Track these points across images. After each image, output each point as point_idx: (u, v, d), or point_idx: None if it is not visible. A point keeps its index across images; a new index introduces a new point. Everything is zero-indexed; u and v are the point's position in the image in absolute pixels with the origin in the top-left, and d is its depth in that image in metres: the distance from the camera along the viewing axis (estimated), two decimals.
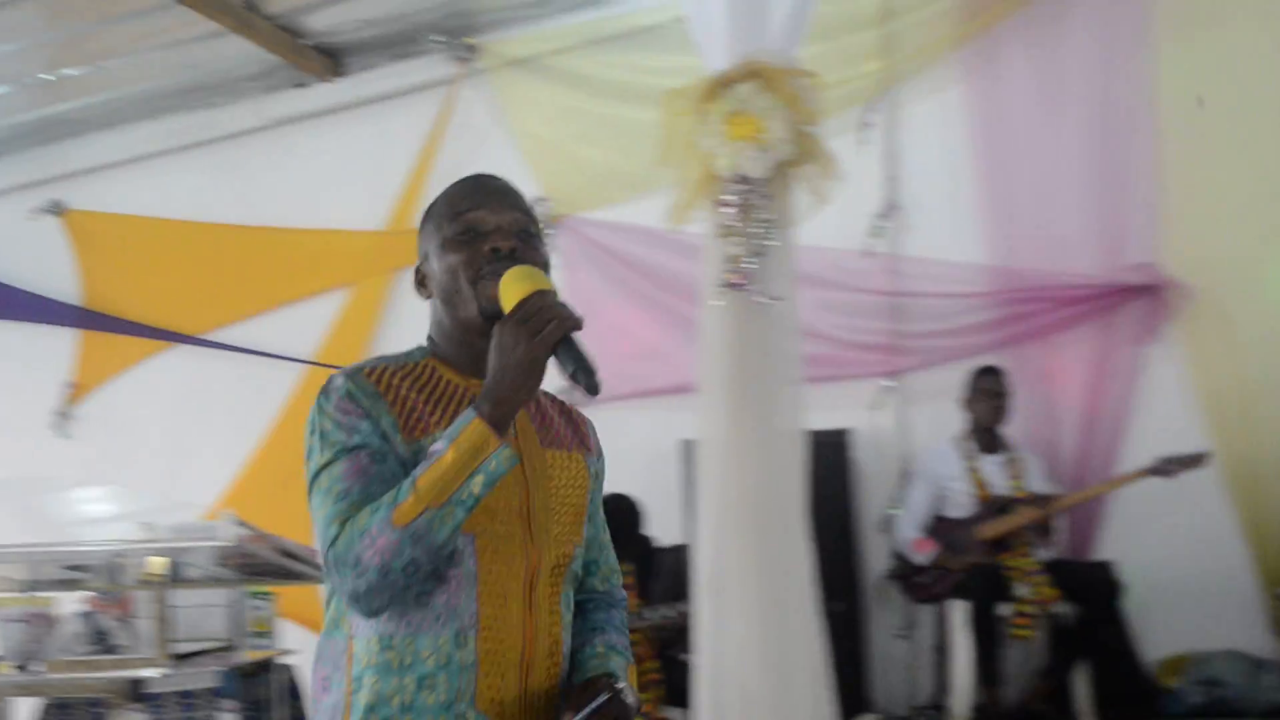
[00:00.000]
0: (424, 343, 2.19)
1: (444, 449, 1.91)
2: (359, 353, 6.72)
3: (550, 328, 1.91)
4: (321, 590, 2.07)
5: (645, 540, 5.37)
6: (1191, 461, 5.65)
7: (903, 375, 6.35)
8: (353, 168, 7.05)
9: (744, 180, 4.38)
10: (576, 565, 2.20)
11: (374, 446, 1.98)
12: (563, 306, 1.93)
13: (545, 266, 2.09)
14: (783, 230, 4.42)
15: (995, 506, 5.77)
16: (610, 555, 2.35)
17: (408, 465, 1.97)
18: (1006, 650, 5.78)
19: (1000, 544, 5.73)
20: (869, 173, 6.35)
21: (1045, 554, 5.75)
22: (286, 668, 5.06)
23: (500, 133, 6.72)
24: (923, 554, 5.78)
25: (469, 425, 1.91)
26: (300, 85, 7.32)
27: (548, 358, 1.91)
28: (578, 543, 2.19)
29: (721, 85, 4.40)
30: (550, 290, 1.96)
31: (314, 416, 2.05)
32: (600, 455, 2.30)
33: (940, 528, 5.86)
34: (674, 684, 5.03)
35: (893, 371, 6.30)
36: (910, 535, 5.84)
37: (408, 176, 6.89)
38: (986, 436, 5.90)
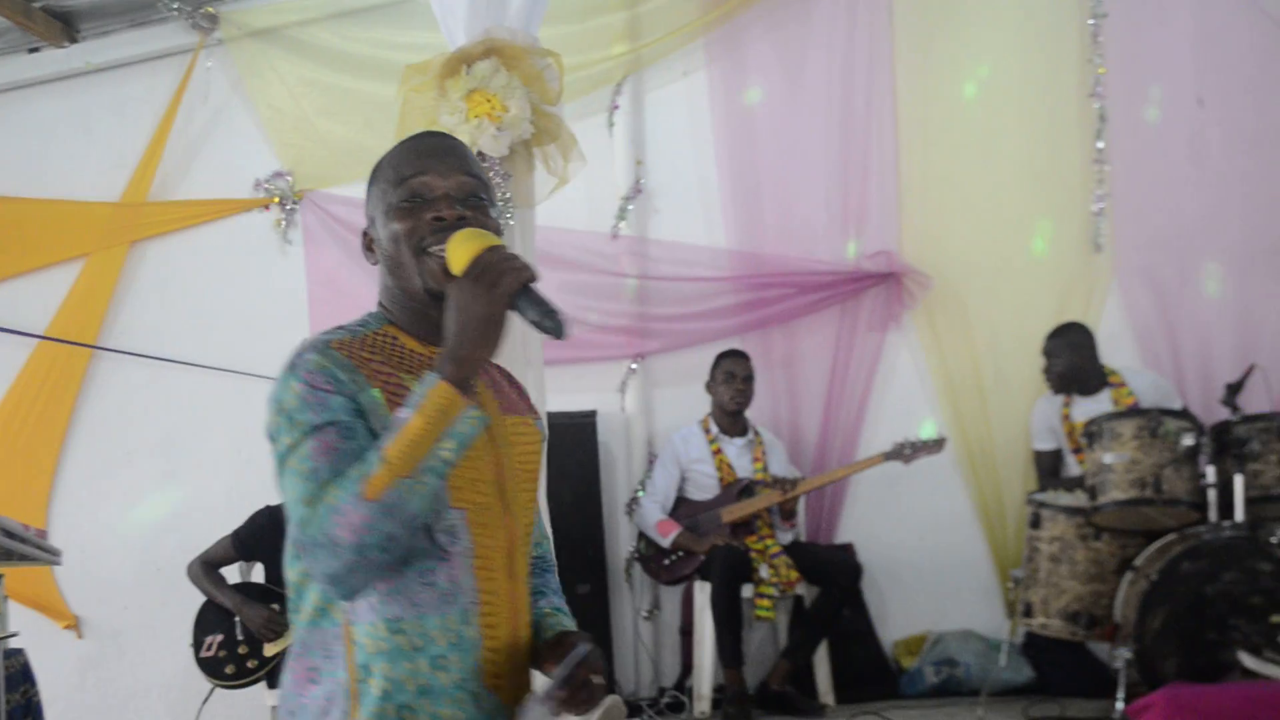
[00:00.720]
0: (374, 309, 2.16)
1: (409, 416, 1.86)
2: (93, 328, 6.57)
3: (506, 280, 1.89)
4: (288, 571, 2.05)
5: None
6: (929, 446, 5.93)
7: (648, 358, 6.50)
8: (87, 137, 6.87)
9: (482, 158, 4.41)
10: (538, 531, 2.25)
11: (343, 422, 1.93)
12: (516, 259, 1.91)
13: (496, 231, 2.06)
14: (522, 209, 4.44)
15: (738, 489, 5.93)
16: (541, 520, 2.35)
17: None
18: (749, 631, 5.93)
19: (743, 526, 5.90)
20: (616, 155, 6.54)
21: (787, 536, 5.96)
22: (19, 651, 4.88)
23: (241, 104, 6.67)
24: (667, 536, 5.92)
25: (434, 389, 1.87)
26: (33, 50, 7.05)
27: (506, 311, 1.89)
28: (536, 508, 2.21)
29: (461, 62, 4.47)
30: (501, 245, 1.94)
31: (279, 394, 1.97)
32: (542, 418, 2.29)
33: (684, 510, 6.01)
34: None
35: (638, 354, 6.55)
36: (655, 517, 6.02)
37: (145, 147, 6.71)
38: (730, 420, 6.08)
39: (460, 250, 1.94)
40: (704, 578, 5.98)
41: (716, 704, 5.86)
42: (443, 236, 2.00)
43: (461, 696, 1.99)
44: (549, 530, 2.48)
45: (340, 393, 1.94)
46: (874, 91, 6.58)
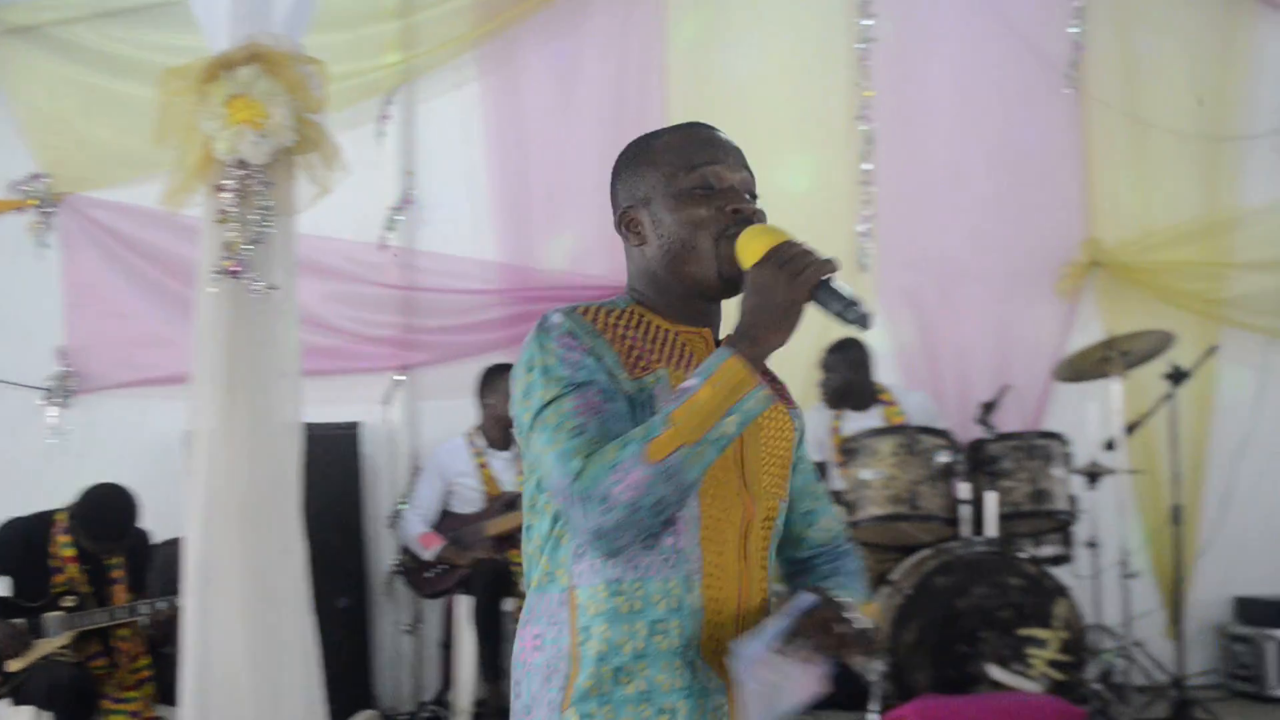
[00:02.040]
0: (625, 293, 2.27)
1: (699, 385, 1.98)
2: None
3: (810, 270, 2.01)
4: (525, 544, 2.18)
5: (140, 533, 5.48)
6: None
7: (414, 370, 6.78)
8: None
9: (243, 165, 4.61)
10: (782, 520, 2.30)
11: (601, 383, 2.06)
12: (815, 252, 2.04)
13: None
14: (283, 218, 4.67)
15: (503, 502, 6.27)
16: (828, 505, 2.46)
17: (634, 403, 2.08)
18: (510, 645, 6.09)
19: (507, 540, 6.31)
20: (386, 165, 6.81)
21: None
22: None
23: None
24: (429, 549, 6.20)
25: (726, 362, 1.99)
26: None
27: (806, 301, 2.01)
28: (783, 497, 2.29)
29: (222, 67, 4.69)
30: (794, 239, 2.07)
31: (532, 353, 2.10)
32: (799, 411, 2.39)
33: (448, 523, 6.39)
34: (167, 681, 5.13)
35: (404, 366, 6.94)
36: (418, 530, 6.33)
37: None
38: (497, 433, 6.34)
39: (757, 241, 2.07)
40: (466, 591, 6.46)
41: (477, 718, 6.27)
42: (742, 227, 2.12)
43: (679, 664, 2.07)
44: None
45: (591, 354, 2.07)
46: (646, 108, 7.22)
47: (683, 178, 2.18)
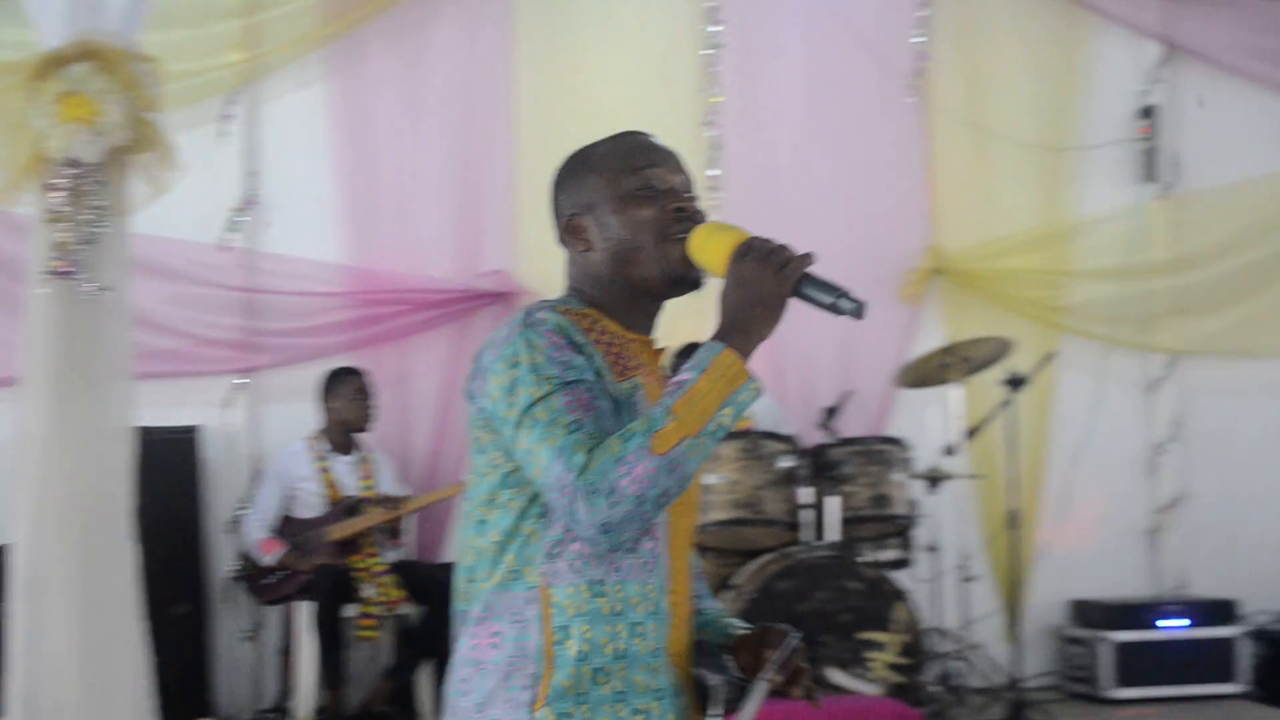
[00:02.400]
0: (570, 295, 2.33)
1: (695, 378, 2.04)
2: None
3: (794, 264, 2.11)
4: (474, 538, 2.18)
5: None
6: None
7: (256, 373, 6.94)
8: None
9: (75, 164, 4.60)
10: None
11: (591, 381, 2.12)
12: (792, 246, 2.14)
13: None
14: (116, 218, 4.67)
15: (345, 507, 6.36)
16: None
17: (619, 405, 2.13)
18: (351, 651, 6.21)
19: (349, 545, 6.38)
20: (228, 166, 6.93)
21: (394, 555, 6.34)
22: None
23: None
24: (270, 555, 6.38)
25: (720, 355, 2.06)
26: None
27: (790, 292, 2.10)
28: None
29: (55, 64, 4.67)
30: (750, 233, 2.17)
31: (517, 348, 2.12)
32: None
33: (289, 528, 6.50)
34: None
35: (246, 369, 7.08)
36: (258, 535, 6.44)
37: None
38: (340, 437, 6.47)
39: (718, 238, 2.17)
40: (307, 597, 6.55)
41: None
42: (684, 227, 2.21)
43: (656, 665, 2.15)
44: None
45: (580, 353, 2.13)
46: (493, 111, 7.43)
47: (625, 181, 2.26)
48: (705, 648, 2.33)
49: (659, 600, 2.16)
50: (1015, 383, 6.80)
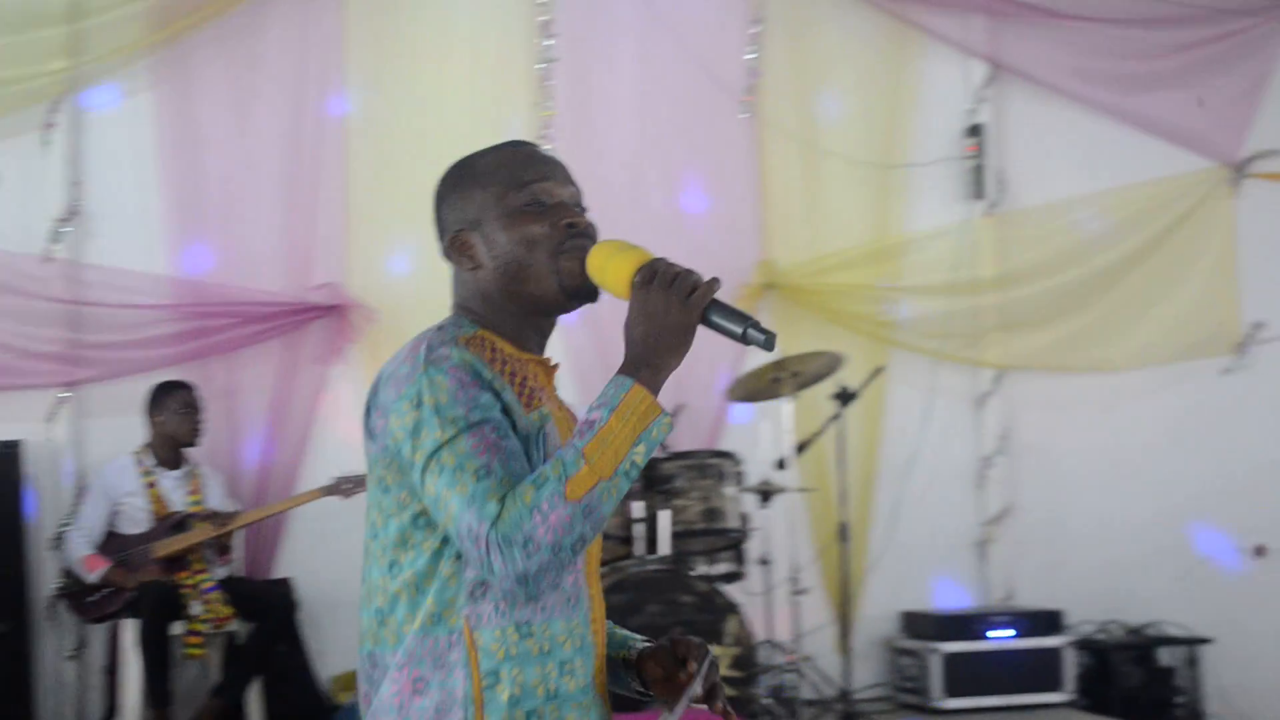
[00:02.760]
0: (456, 313, 2.33)
1: (606, 417, 2.04)
2: None
3: (700, 291, 2.11)
4: (385, 580, 2.19)
5: None
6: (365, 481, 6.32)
7: (80, 386, 7.00)
8: None
9: None
10: None
11: (497, 419, 2.10)
12: (691, 270, 2.13)
13: None
14: None
15: (171, 523, 6.49)
16: None
17: (527, 440, 2.14)
18: (178, 669, 6.32)
19: (176, 562, 6.55)
20: (51, 175, 7.01)
21: (222, 571, 6.56)
22: None
23: None
24: (94, 572, 6.42)
25: (629, 392, 2.06)
26: None
27: (698, 321, 2.10)
28: None
29: None
30: (661, 257, 2.17)
31: (420, 387, 2.11)
32: None
33: (114, 544, 6.63)
34: None
35: (70, 382, 7.19)
36: (82, 552, 6.59)
37: None
38: (167, 452, 6.66)
39: (619, 259, 2.18)
40: (133, 615, 6.61)
41: None
42: (578, 243, 2.22)
43: (586, 702, 2.19)
44: None
45: (487, 389, 2.12)
46: (324, 122, 7.60)
47: (513, 196, 2.25)
48: (608, 664, 2.36)
49: (584, 634, 2.19)
50: (845, 397, 7.11)
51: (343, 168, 7.51)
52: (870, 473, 8.09)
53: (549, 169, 2.30)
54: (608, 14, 7.98)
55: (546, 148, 7.33)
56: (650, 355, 2.09)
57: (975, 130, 8.34)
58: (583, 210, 2.31)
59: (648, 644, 2.38)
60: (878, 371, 7.37)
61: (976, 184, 8.32)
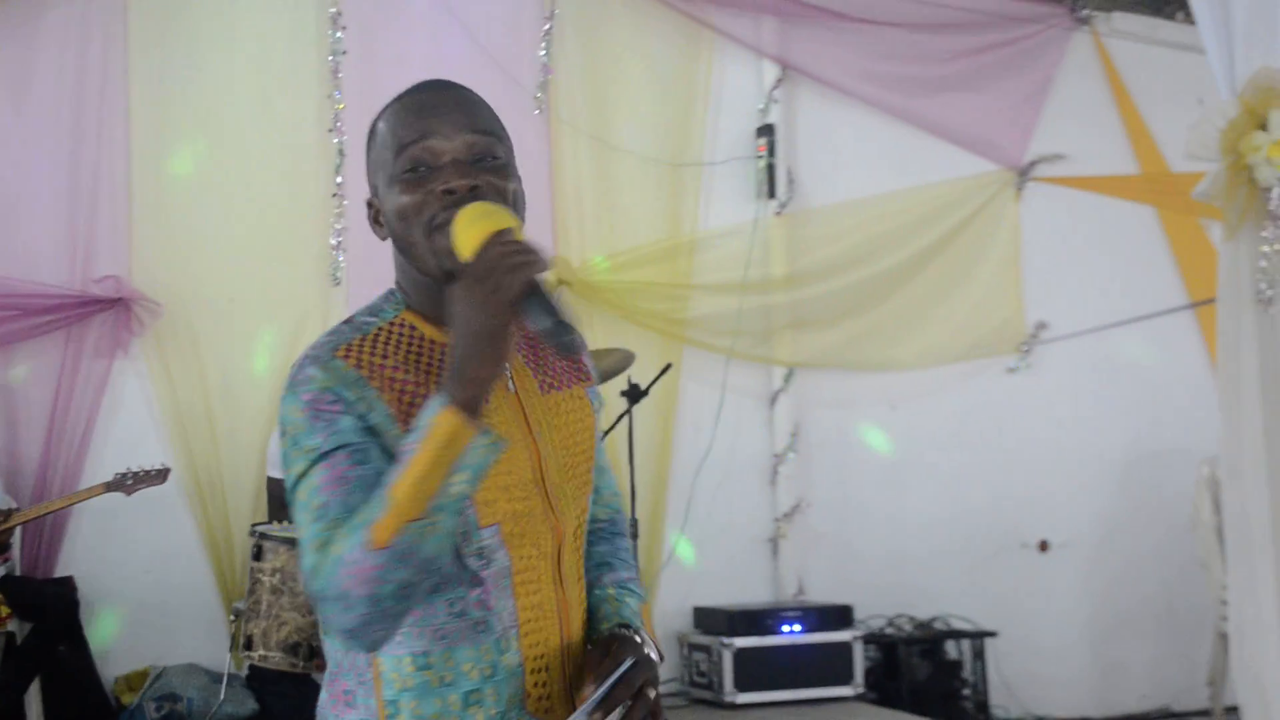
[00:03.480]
0: (393, 287, 2.28)
1: (415, 448, 1.95)
2: None
3: (508, 282, 1.94)
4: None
5: None
6: (152, 477, 6.76)
7: None
8: None
9: None
10: (591, 513, 2.37)
11: (354, 444, 2.04)
12: (523, 251, 1.97)
13: (511, 195, 2.17)
14: None
15: None
16: (610, 478, 2.47)
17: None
18: None
19: None
20: None
21: (0, 570, 6.49)
22: None
23: None
24: None
25: (438, 415, 1.95)
26: None
27: (510, 321, 1.96)
28: (590, 491, 2.32)
29: None
30: (507, 230, 2.02)
31: (284, 415, 2.10)
32: (596, 376, 2.42)
33: None
34: None
35: None
36: None
37: None
38: None
39: (466, 234, 2.03)
40: None
41: None
42: (455, 211, 2.07)
43: None
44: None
45: (348, 412, 2.06)
46: (106, 111, 7.86)
47: (394, 163, 2.16)
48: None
49: (497, 660, 2.13)
50: (635, 394, 7.56)
51: (126, 159, 7.79)
52: (664, 469, 8.59)
53: (435, 122, 2.16)
54: (399, 6, 8.38)
55: (337, 140, 7.80)
56: (461, 367, 1.97)
57: (766, 130, 8.93)
58: (477, 164, 2.15)
59: (605, 635, 2.31)
60: (666, 369, 7.83)
61: (768, 183, 8.90)
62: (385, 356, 2.13)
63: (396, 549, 1.91)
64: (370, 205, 2.28)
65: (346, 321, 2.23)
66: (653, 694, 2.17)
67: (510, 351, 2.07)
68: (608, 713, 2.10)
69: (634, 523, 7.63)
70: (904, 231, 9.09)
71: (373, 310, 2.23)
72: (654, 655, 2.22)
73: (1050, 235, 9.32)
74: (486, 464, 1.97)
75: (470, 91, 2.24)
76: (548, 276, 1.98)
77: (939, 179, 9.17)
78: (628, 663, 2.14)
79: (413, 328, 2.20)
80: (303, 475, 2.04)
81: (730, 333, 8.78)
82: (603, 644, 2.21)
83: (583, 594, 2.29)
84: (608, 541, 2.44)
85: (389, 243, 2.26)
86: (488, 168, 2.15)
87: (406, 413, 2.08)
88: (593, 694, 2.11)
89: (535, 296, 1.95)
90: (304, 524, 2.02)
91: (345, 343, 2.14)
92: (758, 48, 8.98)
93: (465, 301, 1.95)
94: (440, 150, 2.13)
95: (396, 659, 2.12)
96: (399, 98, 2.25)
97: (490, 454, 1.97)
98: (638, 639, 2.22)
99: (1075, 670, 9.08)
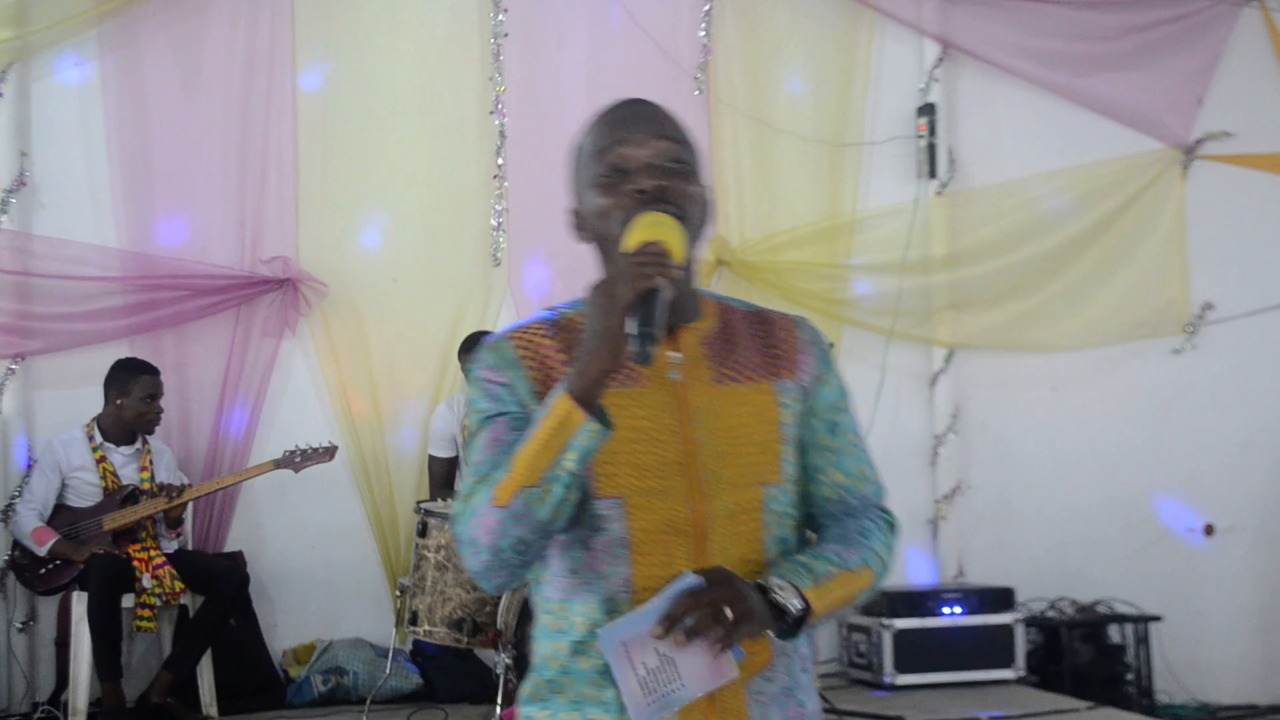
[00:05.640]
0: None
1: (539, 424, 2.19)
2: None
3: (621, 289, 2.15)
4: None
5: None
6: (320, 454, 6.83)
7: (30, 359, 7.19)
8: None
9: None
10: (780, 504, 2.41)
11: (513, 413, 2.31)
12: (647, 264, 2.16)
13: (698, 199, 2.38)
14: None
15: (122, 496, 6.67)
16: (844, 458, 2.51)
17: None
18: (130, 642, 6.61)
19: (126, 535, 6.75)
20: None
21: (172, 545, 6.91)
22: None
23: None
24: (44, 545, 6.65)
25: (557, 400, 2.18)
26: None
27: (622, 324, 2.14)
28: (771, 480, 2.39)
29: None
30: (656, 243, 2.20)
31: (470, 387, 2.41)
32: (810, 366, 2.53)
33: (64, 518, 6.88)
34: None
35: (18, 354, 7.38)
36: (31, 525, 6.98)
37: None
38: (117, 430, 6.93)
39: (631, 239, 2.23)
40: (82, 587, 6.94)
41: (92, 718, 6.49)
42: (651, 208, 2.29)
43: (603, 681, 2.27)
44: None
45: (507, 387, 2.33)
46: (273, 95, 7.96)
47: (594, 168, 2.37)
48: None
49: (601, 620, 2.26)
50: None
51: (293, 141, 7.87)
52: None
53: (628, 130, 2.36)
54: None
55: (499, 122, 7.78)
56: (582, 360, 2.17)
57: (927, 109, 8.78)
58: (679, 165, 2.36)
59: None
60: (830, 348, 7.69)
61: (928, 163, 8.73)
62: (554, 338, 2.36)
63: (513, 509, 2.17)
64: (575, 213, 2.45)
65: (547, 308, 2.44)
66: (730, 613, 2.17)
67: (623, 350, 2.15)
68: (670, 625, 2.15)
69: None
70: (1066, 211, 8.91)
71: (571, 302, 2.43)
72: (785, 602, 2.24)
73: (1217, 214, 9.04)
74: (592, 447, 2.18)
75: (660, 105, 2.44)
76: (666, 291, 2.16)
77: (1102, 158, 8.94)
78: (688, 578, 2.20)
79: (567, 325, 2.39)
80: (475, 434, 2.32)
81: (890, 313, 8.64)
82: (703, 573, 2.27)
83: (760, 572, 2.30)
84: (837, 524, 2.46)
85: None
86: (675, 171, 2.34)
87: (546, 384, 2.30)
88: (652, 606, 2.19)
89: (643, 307, 2.13)
90: (467, 476, 2.28)
91: (524, 327, 2.39)
92: (918, 26, 8.81)
93: (593, 303, 2.16)
94: (632, 156, 2.33)
95: (540, 599, 2.38)
96: (599, 114, 2.44)
97: (595, 439, 2.17)
98: (750, 583, 2.25)
99: (1241, 656, 8.81)
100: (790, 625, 2.28)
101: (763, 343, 2.48)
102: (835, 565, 2.34)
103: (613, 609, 2.27)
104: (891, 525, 2.52)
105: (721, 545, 2.31)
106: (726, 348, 2.42)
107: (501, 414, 2.30)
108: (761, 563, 2.34)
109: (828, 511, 2.48)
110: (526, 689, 2.39)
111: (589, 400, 2.16)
